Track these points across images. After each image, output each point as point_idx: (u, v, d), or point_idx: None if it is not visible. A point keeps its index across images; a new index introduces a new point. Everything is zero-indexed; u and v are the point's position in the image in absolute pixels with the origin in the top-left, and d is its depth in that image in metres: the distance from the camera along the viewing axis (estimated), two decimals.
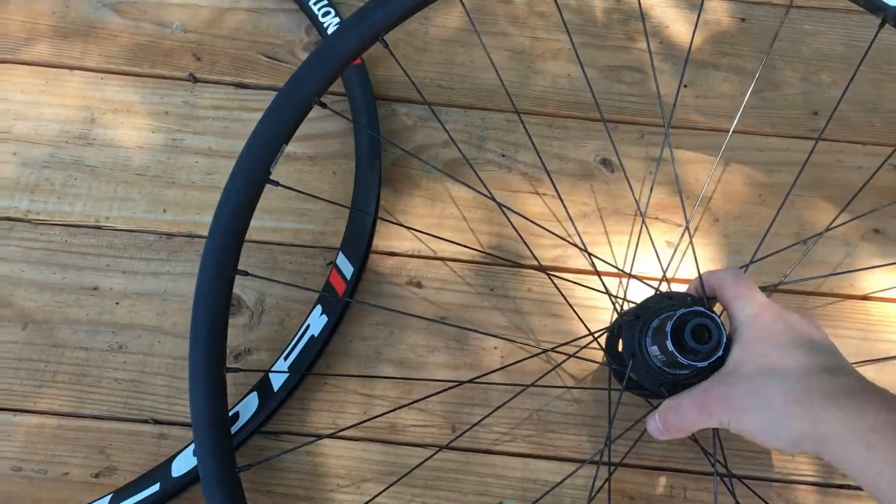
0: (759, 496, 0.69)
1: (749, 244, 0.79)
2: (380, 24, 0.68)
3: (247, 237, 0.71)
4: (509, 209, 0.76)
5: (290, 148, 0.83)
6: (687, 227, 0.76)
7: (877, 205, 0.81)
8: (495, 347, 0.75)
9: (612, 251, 0.78)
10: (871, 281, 0.79)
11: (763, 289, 0.67)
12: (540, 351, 0.73)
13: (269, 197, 0.80)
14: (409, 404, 0.70)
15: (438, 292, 0.77)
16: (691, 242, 0.75)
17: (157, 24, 0.90)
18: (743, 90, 0.88)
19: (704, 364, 0.59)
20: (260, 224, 0.80)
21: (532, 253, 0.76)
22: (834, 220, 0.77)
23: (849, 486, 0.71)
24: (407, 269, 0.78)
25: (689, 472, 0.71)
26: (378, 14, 0.67)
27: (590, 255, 0.75)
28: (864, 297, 0.79)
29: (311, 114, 0.78)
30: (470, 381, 0.72)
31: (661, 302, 0.65)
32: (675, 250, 0.79)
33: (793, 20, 0.93)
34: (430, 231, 0.79)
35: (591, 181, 0.83)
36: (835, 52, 0.90)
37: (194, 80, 0.87)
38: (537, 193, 0.82)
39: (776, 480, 0.71)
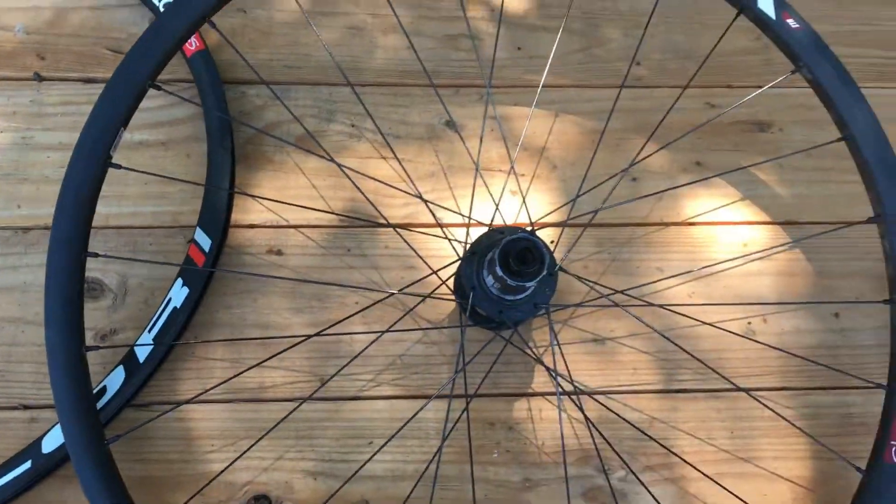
0: (605, 406, 0.75)
1: (584, 193, 0.86)
2: (206, 5, 0.71)
3: (106, 223, 0.73)
4: (358, 173, 0.81)
5: (142, 136, 0.85)
6: (512, 169, 0.82)
7: (695, 141, 0.89)
8: (356, 303, 0.79)
9: (456, 203, 0.84)
10: (693, 208, 0.87)
11: (582, 216, 0.74)
12: (389, 294, 0.77)
13: (126, 184, 0.83)
14: (268, 360, 0.73)
15: (299, 258, 0.81)
16: (520, 190, 0.81)
17: None
18: (570, 48, 0.95)
19: (532, 283, 0.64)
20: (118, 210, 0.82)
21: (379, 212, 0.81)
22: (638, 152, 0.84)
23: (685, 390, 0.78)
24: (266, 240, 0.82)
25: (542, 395, 0.77)
26: None
27: (428, 204, 0.80)
28: (688, 223, 0.86)
29: (160, 101, 0.81)
30: (323, 333, 0.76)
31: (493, 236, 0.70)
32: (502, 192, 0.85)
33: None
34: (282, 197, 0.82)
35: (436, 142, 0.88)
36: (649, 7, 0.98)
37: (40, 78, 0.88)
38: (384, 158, 0.86)
39: (620, 392, 0.77)
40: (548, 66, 0.88)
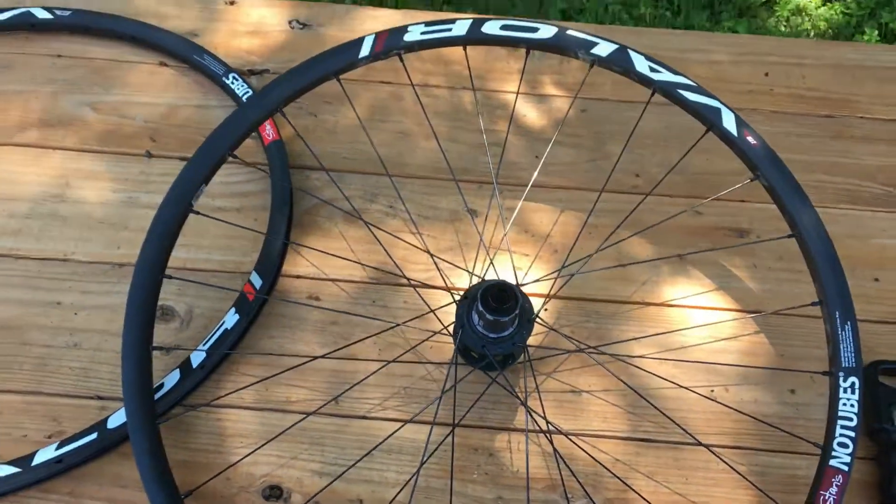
0: (575, 444, 0.88)
1: (582, 265, 1.01)
2: (278, 99, 0.93)
3: (184, 265, 0.94)
4: (390, 234, 1.00)
5: (221, 202, 1.07)
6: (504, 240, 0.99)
7: (680, 239, 1.05)
8: (374, 342, 0.96)
9: (465, 264, 1.01)
10: (671, 292, 1.01)
11: (565, 285, 0.90)
12: (395, 325, 0.94)
13: (203, 236, 1.03)
14: (281, 372, 0.90)
15: (332, 303, 0.99)
16: (509, 249, 0.98)
17: (123, 117, 1.15)
18: (580, 160, 1.14)
19: (507, 318, 0.80)
20: (195, 256, 1.02)
21: (398, 266, 0.99)
22: (603, 242, 1.00)
23: (647, 440, 0.90)
24: (307, 288, 1.00)
25: (521, 430, 0.90)
26: (276, 91, 0.93)
27: (434, 258, 0.98)
28: (666, 304, 1.00)
29: (239, 177, 1.03)
30: (329, 355, 0.92)
31: (483, 285, 0.87)
32: (490, 254, 1.01)
33: (621, 110, 1.20)
34: (327, 259, 1.01)
35: (457, 224, 1.07)
36: (654, 132, 1.17)
37: (150, 155, 1.12)
38: (411, 233, 1.05)
39: (588, 435, 0.90)
40: (538, 168, 1.07)
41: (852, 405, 0.83)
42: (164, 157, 1.12)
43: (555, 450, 0.86)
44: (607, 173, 1.11)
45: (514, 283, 0.86)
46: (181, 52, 1.21)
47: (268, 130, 1.10)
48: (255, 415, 0.90)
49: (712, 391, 0.93)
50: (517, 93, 1.11)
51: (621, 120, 1.18)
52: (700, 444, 0.88)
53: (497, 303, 0.80)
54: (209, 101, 1.18)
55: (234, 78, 1.15)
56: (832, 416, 0.83)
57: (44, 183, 1.08)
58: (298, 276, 1.01)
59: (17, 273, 1.00)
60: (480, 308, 0.80)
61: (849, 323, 0.86)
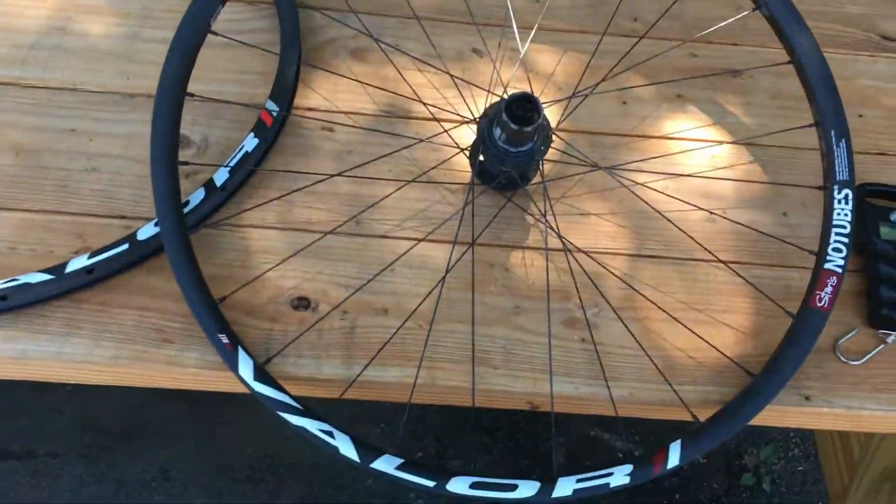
0: (589, 256, 0.93)
1: (583, 107, 1.04)
2: None
3: (196, 95, 0.94)
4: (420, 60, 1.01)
5: (229, 39, 1.06)
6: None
7: (678, 82, 1.09)
8: (389, 171, 0.99)
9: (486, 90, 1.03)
10: (671, 126, 1.06)
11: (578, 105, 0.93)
12: (417, 140, 0.96)
13: (214, 70, 1.03)
14: (304, 187, 0.92)
15: (345, 135, 1.01)
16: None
17: None
18: (578, 3, 1.16)
19: (531, 128, 0.83)
20: (206, 88, 1.02)
21: (414, 90, 1.01)
22: (609, 72, 1.03)
23: (653, 256, 0.95)
24: (321, 121, 1.02)
25: (534, 248, 0.95)
26: None
27: (454, 79, 1.00)
28: (667, 137, 1.05)
29: (247, 14, 1.02)
30: (345, 173, 0.94)
31: (507, 98, 0.89)
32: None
33: None
34: (338, 94, 1.03)
35: (464, 63, 1.09)
36: None
37: None
38: (419, 70, 1.07)
39: (599, 252, 0.95)
40: (545, 9, 1.09)
41: (846, 214, 0.89)
42: None
43: (569, 262, 0.91)
44: (605, 17, 1.13)
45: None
46: None
47: None
48: (279, 233, 0.93)
49: (712, 213, 0.98)
50: None
51: None
52: (717, 257, 0.94)
53: (522, 111, 0.83)
54: None
55: None
56: (827, 225, 0.89)
57: (45, 17, 1.07)
58: (311, 109, 1.03)
59: (27, 101, 1.00)
60: (504, 118, 0.83)
61: (843, 140, 0.91)
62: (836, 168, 0.91)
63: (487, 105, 0.93)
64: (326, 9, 1.10)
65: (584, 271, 0.91)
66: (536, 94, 0.90)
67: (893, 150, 1.07)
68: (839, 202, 0.89)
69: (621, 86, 1.07)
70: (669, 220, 0.95)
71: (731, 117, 1.07)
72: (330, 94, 1.04)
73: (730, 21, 1.05)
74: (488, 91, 0.99)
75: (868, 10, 1.20)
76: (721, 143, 1.05)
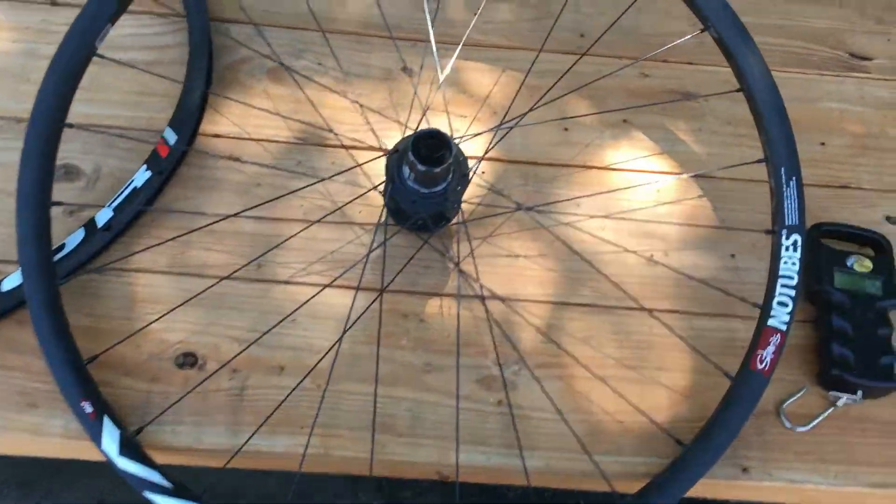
0: (510, 307, 0.84)
1: (519, 132, 0.95)
2: None
3: (86, 123, 0.85)
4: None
5: (131, 56, 0.97)
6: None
7: (627, 102, 0.99)
8: (301, 206, 0.90)
9: (400, 123, 0.94)
10: (615, 156, 0.96)
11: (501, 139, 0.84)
12: (319, 179, 0.87)
13: (109, 90, 0.94)
14: (198, 229, 0.84)
15: (254, 166, 0.92)
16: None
17: None
18: (522, 17, 1.06)
19: (439, 169, 0.74)
20: (99, 112, 0.93)
21: (326, 123, 0.92)
22: (544, 94, 0.94)
23: (584, 304, 0.86)
24: (228, 148, 0.93)
25: (452, 295, 0.86)
26: None
27: (362, 107, 0.91)
28: (609, 168, 0.96)
29: (155, 28, 0.93)
30: (241, 214, 0.85)
31: (415, 133, 0.80)
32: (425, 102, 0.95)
33: None
34: (249, 119, 0.94)
35: (390, 83, 0.99)
36: None
37: (53, 3, 1.01)
38: (339, 93, 0.98)
39: (523, 300, 0.86)
40: (471, 25, 0.99)
41: (794, 263, 0.80)
42: (69, 6, 1.01)
43: (487, 312, 0.82)
44: (553, 31, 1.04)
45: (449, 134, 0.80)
46: None
47: None
48: (169, 279, 0.84)
49: (652, 256, 0.89)
50: None
51: None
52: (642, 308, 0.85)
53: (429, 151, 0.74)
54: None
55: None
56: (773, 275, 0.80)
57: None
58: (218, 136, 0.94)
59: None
60: (411, 158, 0.74)
61: (794, 179, 0.82)
62: (786, 210, 0.82)
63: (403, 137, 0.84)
64: (242, 22, 1.01)
65: (497, 324, 0.82)
66: (468, 119, 0.81)
67: (856, 182, 0.97)
68: (787, 249, 0.81)
69: (564, 109, 0.97)
70: (596, 268, 0.86)
71: (681, 145, 0.98)
72: (241, 119, 0.94)
73: (682, 40, 0.95)
74: (403, 125, 0.90)
75: (836, 25, 1.10)
76: (668, 174, 0.95)
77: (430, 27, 0.99)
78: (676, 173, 0.95)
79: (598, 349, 0.84)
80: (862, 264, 0.86)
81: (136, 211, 0.84)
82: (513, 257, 0.89)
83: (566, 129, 0.98)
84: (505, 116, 0.93)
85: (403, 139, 0.81)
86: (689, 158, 0.97)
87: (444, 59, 1.00)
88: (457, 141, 0.84)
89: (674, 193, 0.94)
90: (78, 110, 0.87)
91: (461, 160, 0.80)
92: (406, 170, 0.78)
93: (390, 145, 0.89)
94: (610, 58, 1.03)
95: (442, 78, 0.97)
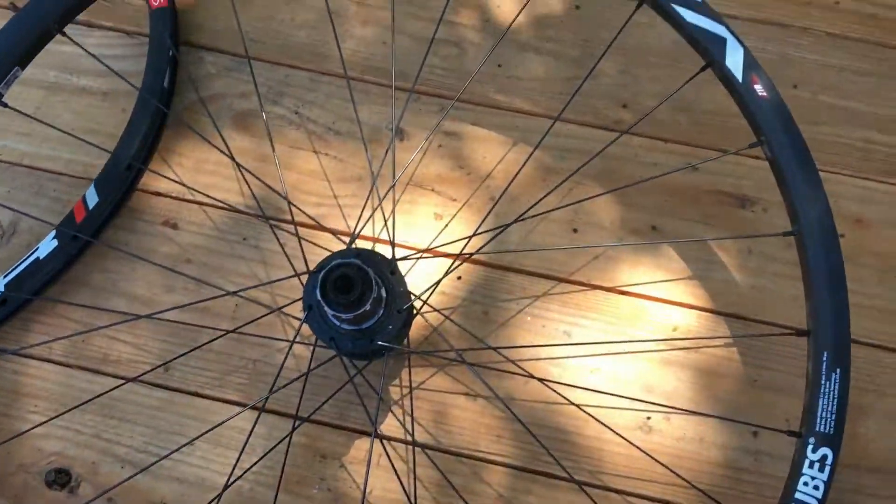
0: (437, 468, 0.67)
1: (517, 228, 0.77)
2: None
3: (20, 161, 0.74)
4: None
5: (86, 81, 0.84)
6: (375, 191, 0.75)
7: (661, 202, 0.79)
8: (232, 300, 0.75)
9: (361, 215, 0.77)
10: (630, 275, 0.77)
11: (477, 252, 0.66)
12: (225, 293, 0.72)
13: (57, 122, 0.81)
14: (102, 328, 0.70)
15: (192, 235, 0.78)
16: (393, 213, 0.74)
17: None
18: (557, 75, 0.87)
19: (350, 316, 0.58)
20: (37, 151, 0.81)
21: (258, 202, 0.76)
22: (541, 199, 0.75)
23: (547, 474, 0.69)
24: (167, 210, 0.79)
25: (391, 439, 0.70)
26: None
27: (290, 205, 0.74)
28: (618, 291, 0.76)
29: (118, 50, 0.80)
30: (154, 315, 0.71)
31: (342, 255, 0.64)
32: (374, 211, 0.77)
33: (627, 10, 0.90)
34: (200, 176, 0.79)
35: (375, 146, 0.82)
36: (661, 48, 0.88)
37: (14, 8, 0.88)
38: (314, 152, 0.82)
39: (472, 458, 0.69)
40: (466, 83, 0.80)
41: (815, 487, 0.59)
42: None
43: (413, 473, 0.66)
44: (586, 98, 0.84)
45: (389, 255, 0.64)
46: None
47: None
48: (62, 372, 0.72)
49: (649, 418, 0.70)
50: None
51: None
52: (609, 489, 0.67)
53: (338, 293, 0.57)
54: None
55: None
56: (788, 491, 0.60)
57: None
58: (158, 193, 0.80)
59: None
60: (318, 296, 0.58)
61: (838, 371, 0.61)
62: (819, 412, 0.61)
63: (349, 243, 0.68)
64: (219, 51, 0.86)
65: (413, 482, 0.66)
66: (457, 203, 0.65)
67: None
68: (812, 465, 0.60)
69: (576, 199, 0.78)
70: (559, 434, 0.68)
71: (720, 271, 0.77)
72: (190, 173, 0.81)
73: (732, 152, 0.74)
74: (351, 236, 0.73)
75: None
76: (693, 308, 0.75)
77: (393, 79, 0.80)
78: (704, 309, 0.75)
79: None
80: None
81: (36, 287, 0.71)
82: (471, 397, 0.71)
83: (575, 231, 0.78)
84: (484, 218, 0.75)
85: (330, 256, 0.65)
86: (727, 290, 0.76)
87: (448, 122, 0.83)
88: (417, 254, 0.67)
89: (695, 333, 0.74)
90: (13, 146, 0.77)
91: (399, 290, 0.63)
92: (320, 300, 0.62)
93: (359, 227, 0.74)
94: (655, 140, 0.82)
95: (400, 173, 0.79)
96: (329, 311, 0.59)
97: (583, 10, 0.91)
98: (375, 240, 0.76)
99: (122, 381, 0.70)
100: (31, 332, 0.73)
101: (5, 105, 0.68)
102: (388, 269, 0.63)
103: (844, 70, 0.87)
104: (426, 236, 0.78)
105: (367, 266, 0.59)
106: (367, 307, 0.58)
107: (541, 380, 0.69)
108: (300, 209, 0.77)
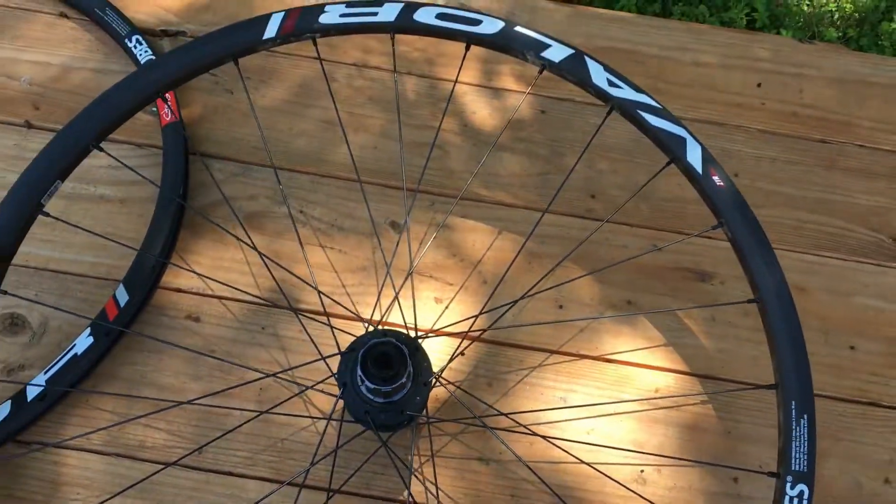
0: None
1: (504, 311, 0.86)
2: (158, 83, 0.77)
3: (45, 266, 0.80)
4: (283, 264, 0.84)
5: (104, 190, 0.91)
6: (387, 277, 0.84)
7: (633, 279, 0.90)
8: (257, 384, 0.81)
9: (378, 301, 0.85)
10: (612, 345, 0.86)
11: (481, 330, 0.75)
12: (266, 375, 0.79)
13: (75, 233, 0.88)
14: (136, 418, 0.76)
15: (213, 327, 0.84)
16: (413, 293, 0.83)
17: (6, 76, 0.99)
18: (531, 171, 0.98)
19: (389, 388, 0.65)
20: (60, 256, 0.87)
21: (283, 293, 0.84)
22: (536, 283, 0.85)
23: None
24: (189, 305, 0.85)
25: None
26: (156, 74, 0.77)
27: (321, 295, 0.83)
28: (604, 359, 0.86)
29: (129, 161, 0.87)
30: (195, 401, 0.77)
31: (375, 336, 0.72)
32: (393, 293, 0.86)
33: (587, 114, 1.04)
34: (217, 272, 0.86)
35: (376, 240, 0.91)
36: (619, 145, 1.00)
37: (29, 126, 0.95)
38: (321, 247, 0.90)
39: None
40: (471, 177, 0.91)
41: None
42: (47, 130, 0.96)
43: None
44: (562, 190, 0.95)
45: (412, 334, 0.71)
46: (84, 2, 1.03)
47: (166, 109, 0.94)
48: (101, 460, 0.77)
49: (642, 471, 0.79)
50: (455, 82, 0.93)
51: (585, 127, 1.02)
52: None
53: (379, 370, 0.65)
54: (109, 65, 1.02)
55: (137, 41, 0.99)
56: None
57: None
58: (179, 290, 0.86)
59: None
60: (359, 372, 0.65)
61: (805, 417, 0.72)
62: (793, 453, 0.71)
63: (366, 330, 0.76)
64: (227, 159, 0.94)
65: None
66: (454, 287, 0.73)
67: (888, 399, 0.85)
68: (790, 501, 0.69)
69: (561, 280, 0.88)
70: (557, 496, 0.76)
71: (689, 337, 0.88)
72: (209, 269, 0.87)
73: (694, 234, 0.86)
74: (366, 322, 0.82)
75: (883, 204, 0.99)
76: (670, 371, 0.85)
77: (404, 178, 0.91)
78: (680, 371, 0.85)
79: None
80: None
81: (73, 382, 0.76)
82: (484, 461, 0.79)
83: (561, 307, 0.88)
84: (486, 304, 0.84)
85: (363, 336, 0.73)
86: (697, 353, 0.87)
87: (439, 215, 0.92)
88: (431, 333, 0.76)
89: (675, 391, 0.84)
90: (37, 252, 0.82)
91: (423, 366, 0.71)
92: (360, 376, 0.69)
93: (367, 314, 0.81)
94: (622, 225, 0.94)
95: (412, 269, 0.88)
96: (369, 386, 0.66)
97: (548, 114, 1.03)
98: (385, 323, 0.84)
99: (162, 466, 0.75)
100: (68, 424, 0.78)
101: (47, 214, 0.75)
102: (412, 347, 0.71)
103: (776, 160, 1.01)
104: (430, 317, 0.86)
105: (401, 344, 0.67)
106: (403, 380, 0.66)
107: (547, 438, 0.78)
108: (330, 297, 0.84)
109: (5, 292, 0.72)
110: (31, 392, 0.75)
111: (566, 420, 0.81)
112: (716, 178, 0.78)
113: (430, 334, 0.83)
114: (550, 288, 0.87)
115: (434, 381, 0.74)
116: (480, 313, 0.84)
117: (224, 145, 0.97)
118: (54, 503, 0.74)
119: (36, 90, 0.98)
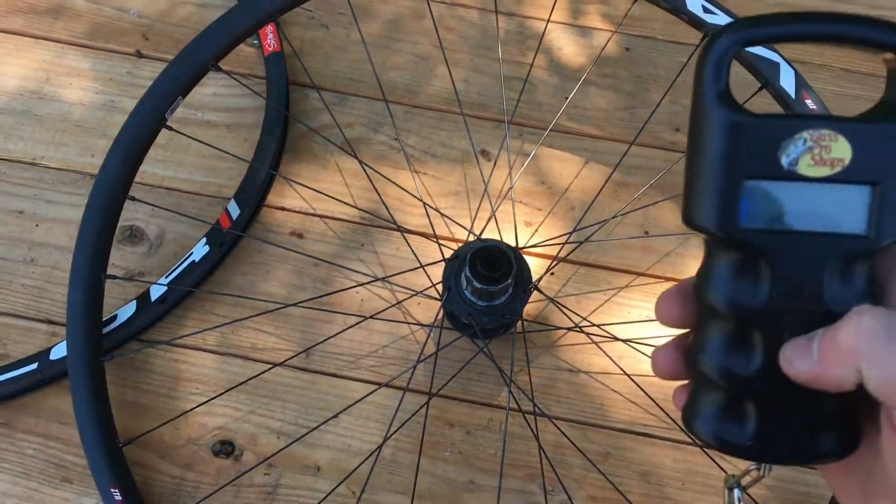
0: (562, 432, 0.78)
1: (598, 233, 0.90)
2: (272, 7, 0.81)
3: (160, 183, 0.84)
4: (388, 179, 0.89)
5: (211, 116, 0.96)
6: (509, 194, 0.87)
7: None
8: (357, 292, 0.86)
9: (471, 222, 0.89)
10: (695, 267, 0.89)
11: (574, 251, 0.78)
12: (374, 279, 0.84)
13: (187, 154, 0.93)
14: (249, 317, 0.81)
15: (316, 244, 0.89)
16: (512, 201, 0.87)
17: (117, 9, 1.04)
18: (616, 106, 1.01)
19: (496, 288, 0.70)
20: (174, 174, 0.92)
21: (389, 212, 0.88)
22: (625, 206, 0.88)
23: (646, 435, 0.80)
24: (292, 223, 0.90)
25: (502, 408, 0.81)
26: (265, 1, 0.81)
27: (427, 208, 0.87)
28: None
29: (235, 90, 0.92)
30: (303, 303, 0.82)
31: (477, 244, 0.76)
32: (493, 205, 0.90)
33: (671, 53, 1.06)
34: (314, 192, 0.91)
35: (467, 167, 0.95)
36: None
37: (139, 55, 1.01)
38: (416, 172, 0.94)
39: (581, 423, 0.80)
40: (562, 109, 0.94)
41: None
42: (156, 59, 1.01)
43: (536, 436, 0.76)
44: (648, 123, 0.97)
45: (513, 245, 0.75)
46: None
47: (269, 39, 0.98)
48: (216, 359, 0.82)
49: None
50: (547, 20, 0.96)
51: (670, 64, 1.04)
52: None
53: (487, 270, 0.69)
54: (213, 0, 1.06)
55: None
56: None
57: (21, 76, 0.99)
58: (283, 209, 0.91)
59: None
60: (468, 274, 0.69)
61: None
62: None
63: (466, 240, 0.80)
64: (323, 89, 0.99)
65: (543, 451, 0.76)
66: (542, 212, 0.76)
67: None
68: None
69: (648, 211, 0.91)
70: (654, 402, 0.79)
71: None
72: (308, 193, 0.92)
73: None
74: (468, 230, 0.85)
75: None
76: None
77: (505, 114, 0.94)
78: None
79: (656, 485, 0.77)
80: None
81: (191, 286, 0.82)
82: (573, 372, 0.83)
83: (647, 233, 0.91)
84: (579, 221, 0.88)
85: (465, 246, 0.77)
86: None
87: (527, 145, 0.96)
88: (523, 248, 0.79)
89: None
90: (152, 171, 0.87)
91: (525, 274, 0.75)
92: (464, 280, 0.73)
93: (459, 234, 0.85)
94: None
95: (516, 178, 0.92)
96: (475, 286, 0.70)
97: (632, 52, 1.05)
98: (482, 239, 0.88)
99: (271, 366, 0.80)
100: (185, 326, 0.83)
101: (170, 128, 0.80)
102: (514, 255, 0.74)
103: (858, 98, 1.02)
104: (521, 240, 0.90)
105: (507, 248, 0.71)
106: (509, 281, 0.70)
107: (636, 344, 0.81)
108: (436, 209, 0.88)
109: (133, 198, 0.77)
110: (154, 293, 0.81)
111: (654, 336, 0.84)
112: (809, 101, 0.80)
113: (524, 250, 0.87)
114: (637, 209, 0.89)
115: (532, 288, 0.77)
116: (574, 230, 0.87)
117: (321, 76, 1.01)
118: (174, 394, 0.79)
119: (145, 22, 1.03)
